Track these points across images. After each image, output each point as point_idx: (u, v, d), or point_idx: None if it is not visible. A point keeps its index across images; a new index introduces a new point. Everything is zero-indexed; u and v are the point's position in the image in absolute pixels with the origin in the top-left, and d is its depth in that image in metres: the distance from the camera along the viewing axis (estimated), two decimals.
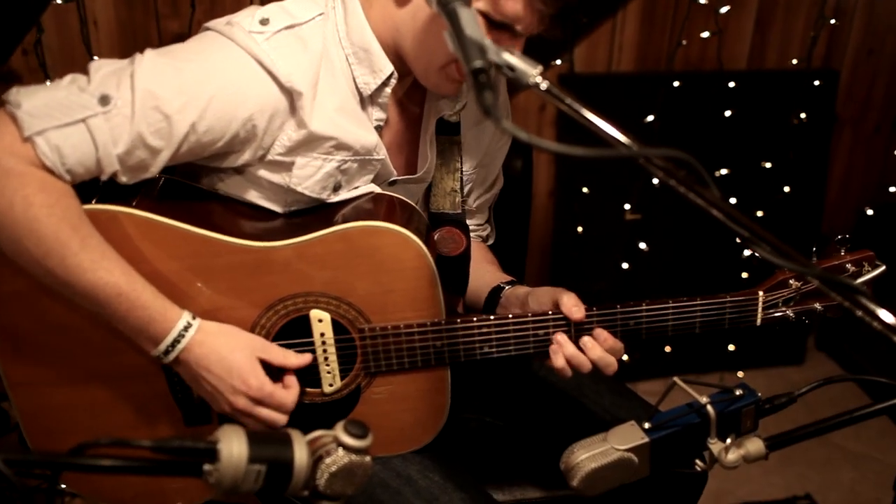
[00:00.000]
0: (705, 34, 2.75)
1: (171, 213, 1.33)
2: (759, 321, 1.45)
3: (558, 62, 2.70)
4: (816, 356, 3.28)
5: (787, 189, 2.94)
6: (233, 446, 0.91)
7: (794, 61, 2.91)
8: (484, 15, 1.29)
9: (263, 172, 1.37)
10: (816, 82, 2.89)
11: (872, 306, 0.93)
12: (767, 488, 2.65)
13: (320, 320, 1.37)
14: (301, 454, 0.95)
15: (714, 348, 3.04)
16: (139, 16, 2.34)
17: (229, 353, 1.31)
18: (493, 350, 1.42)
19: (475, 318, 1.40)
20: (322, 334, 1.38)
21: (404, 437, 1.48)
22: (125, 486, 1.48)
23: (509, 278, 1.61)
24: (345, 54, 1.38)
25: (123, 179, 1.27)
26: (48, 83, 1.22)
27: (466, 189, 1.64)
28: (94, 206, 1.29)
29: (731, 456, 1.17)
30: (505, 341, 1.41)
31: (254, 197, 1.41)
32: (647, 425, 1.17)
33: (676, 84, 2.76)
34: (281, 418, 1.34)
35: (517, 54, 1.02)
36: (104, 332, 1.33)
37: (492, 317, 1.41)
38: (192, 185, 1.43)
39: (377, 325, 1.38)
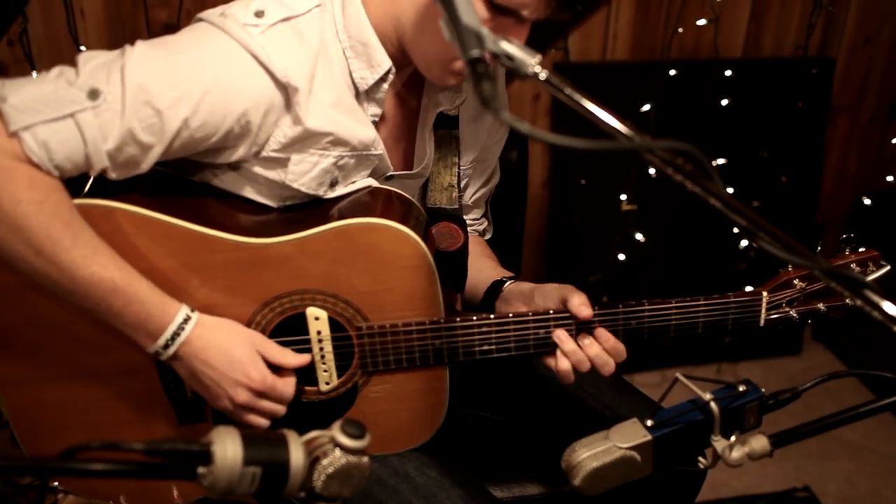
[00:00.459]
0: (701, 22, 2.72)
1: (165, 208, 1.31)
2: (762, 322, 1.44)
3: (553, 51, 2.67)
4: (813, 347, 3.27)
5: (783, 179, 2.93)
6: (227, 448, 0.89)
7: (791, 50, 2.89)
8: (487, 0, 1.26)
9: (258, 169, 1.34)
10: (813, 71, 2.87)
11: (881, 301, 0.91)
12: (764, 480, 2.65)
13: (317, 318, 1.35)
14: (297, 456, 0.94)
15: (711, 339, 3.03)
16: (127, 5, 2.30)
17: (230, 346, 1.29)
18: (493, 349, 1.39)
19: (475, 317, 1.38)
20: (319, 332, 1.36)
21: (401, 436, 1.46)
22: (119, 483, 1.46)
23: (510, 274, 1.58)
24: (342, 48, 1.34)
25: (113, 176, 1.24)
26: (34, 75, 1.19)
27: (463, 184, 1.62)
28: (85, 200, 1.26)
29: (736, 454, 1.15)
30: (505, 340, 1.39)
31: (248, 192, 1.38)
32: (649, 423, 1.15)
33: (672, 73, 2.73)
34: (281, 410, 1.34)
35: (515, 43, 0.99)
36: (97, 328, 1.30)
37: (492, 315, 1.39)
38: (186, 178, 1.41)
39: (375, 323, 1.36)
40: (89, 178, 1.26)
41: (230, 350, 1.29)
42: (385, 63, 1.35)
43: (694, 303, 1.40)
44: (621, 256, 2.88)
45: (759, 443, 1.16)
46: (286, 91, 1.27)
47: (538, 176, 2.86)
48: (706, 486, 1.67)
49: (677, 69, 2.74)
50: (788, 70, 2.88)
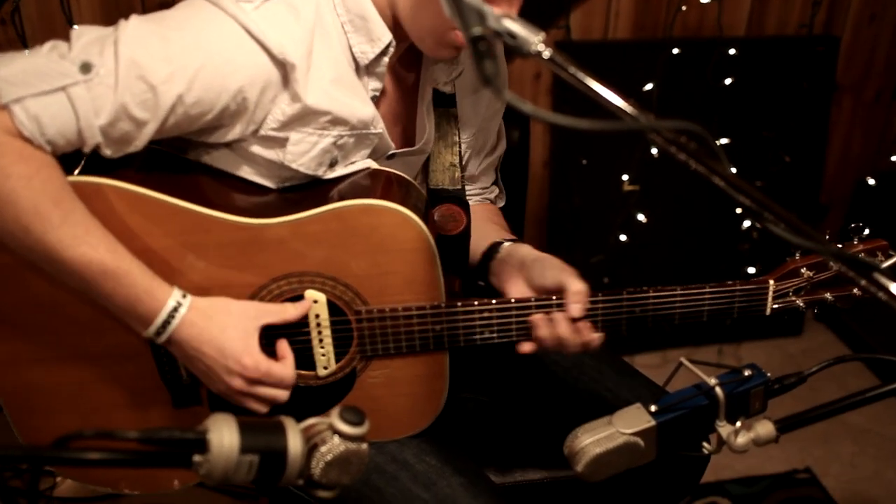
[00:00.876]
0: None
1: (160, 186, 1.28)
2: (768, 310, 1.42)
3: (554, 29, 2.63)
4: (815, 327, 3.25)
5: (787, 159, 2.90)
6: (223, 436, 0.88)
7: (796, 28, 2.85)
8: None
9: (256, 148, 1.32)
10: (818, 49, 2.84)
11: (892, 285, 0.89)
12: (767, 462, 2.64)
13: (315, 301, 1.33)
14: (295, 443, 0.93)
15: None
16: None
17: (220, 332, 1.26)
18: (495, 335, 1.37)
19: (476, 302, 1.36)
20: (317, 315, 1.34)
21: (401, 423, 1.44)
22: (115, 469, 1.44)
23: (511, 236, 1.55)
24: (340, 22, 1.32)
25: (107, 152, 1.21)
26: (27, 52, 1.17)
27: (466, 156, 1.59)
28: (77, 177, 1.24)
29: (741, 440, 1.14)
30: (507, 326, 1.37)
31: (246, 173, 1.36)
32: (653, 408, 1.13)
33: (675, 51, 2.70)
34: (282, 395, 1.30)
35: (519, 21, 0.96)
36: (91, 309, 1.28)
37: (493, 301, 1.36)
38: (183, 157, 1.38)
39: (374, 307, 1.34)
40: (83, 155, 1.24)
41: (220, 337, 1.25)
42: (385, 36, 1.33)
43: (699, 290, 1.38)
44: (623, 237, 2.85)
45: (764, 428, 1.15)
46: (283, 68, 1.25)
47: (539, 156, 2.83)
48: (708, 468, 1.66)
49: (680, 48, 2.70)
50: (793, 48, 2.85)
